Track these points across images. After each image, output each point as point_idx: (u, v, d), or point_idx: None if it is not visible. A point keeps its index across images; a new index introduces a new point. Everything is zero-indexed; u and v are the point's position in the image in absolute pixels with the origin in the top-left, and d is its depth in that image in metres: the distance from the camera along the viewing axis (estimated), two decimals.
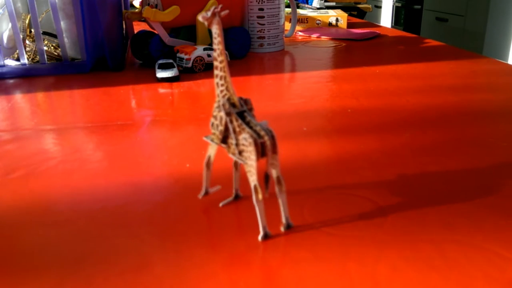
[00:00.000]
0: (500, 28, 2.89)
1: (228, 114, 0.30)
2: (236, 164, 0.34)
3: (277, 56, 0.91)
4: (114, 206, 0.35)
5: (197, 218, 0.33)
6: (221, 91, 0.31)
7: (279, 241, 0.30)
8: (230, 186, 0.38)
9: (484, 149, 0.44)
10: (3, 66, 0.76)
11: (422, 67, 0.79)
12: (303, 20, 1.25)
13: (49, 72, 0.78)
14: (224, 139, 0.32)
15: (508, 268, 0.27)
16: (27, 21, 0.80)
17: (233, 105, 0.31)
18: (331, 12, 1.31)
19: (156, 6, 0.80)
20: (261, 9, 0.92)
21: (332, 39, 1.10)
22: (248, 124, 0.30)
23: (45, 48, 0.80)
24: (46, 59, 0.77)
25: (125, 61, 0.88)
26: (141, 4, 0.85)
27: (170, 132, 0.50)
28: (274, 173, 0.30)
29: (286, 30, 1.13)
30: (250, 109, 0.31)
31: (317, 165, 0.42)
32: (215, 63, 0.31)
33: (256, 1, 0.92)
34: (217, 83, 0.31)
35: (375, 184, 0.38)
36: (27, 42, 0.80)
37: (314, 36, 1.13)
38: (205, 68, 0.78)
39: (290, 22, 1.07)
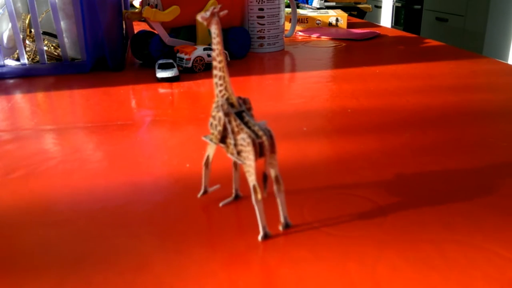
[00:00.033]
0: (500, 28, 2.89)
1: (226, 114, 0.30)
2: (235, 164, 0.34)
3: (277, 56, 0.91)
4: (114, 206, 0.35)
5: (197, 218, 0.33)
6: (220, 91, 0.31)
7: (279, 241, 0.30)
8: (230, 186, 0.38)
9: (484, 149, 0.44)
10: (3, 66, 0.76)
11: (422, 67, 0.79)
12: (303, 20, 1.25)
13: (49, 72, 0.78)
14: (223, 139, 0.32)
15: (508, 268, 0.27)
16: (27, 21, 0.80)
17: (231, 105, 0.31)
18: (331, 12, 1.31)
19: (156, 6, 0.80)
20: (261, 9, 0.92)
21: (332, 39, 1.10)
22: (246, 124, 0.30)
23: (45, 48, 0.80)
24: (46, 59, 0.77)
25: (125, 61, 0.88)
26: (141, 4, 0.85)
27: (170, 132, 0.50)
28: (272, 172, 0.30)
29: (286, 30, 1.13)
30: (249, 109, 0.31)
31: (317, 165, 0.42)
32: (214, 63, 0.31)
33: (256, 1, 0.92)
34: (216, 83, 0.32)
35: (375, 184, 0.38)
36: (27, 42, 0.80)
37: (314, 36, 1.13)
38: (205, 68, 0.78)
39: (290, 22, 1.07)
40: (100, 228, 0.32)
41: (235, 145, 0.30)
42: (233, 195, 0.36)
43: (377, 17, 4.70)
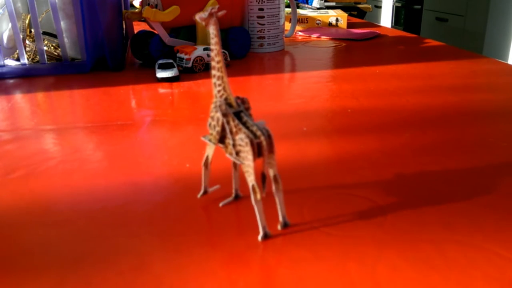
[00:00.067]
0: (500, 28, 2.89)
1: (224, 115, 0.30)
2: (235, 164, 0.34)
3: (277, 56, 0.91)
4: (114, 206, 0.35)
5: (197, 218, 0.33)
6: (219, 91, 0.31)
7: (279, 241, 0.30)
8: (230, 186, 0.38)
9: (484, 149, 0.44)
10: (3, 66, 0.76)
11: (422, 67, 0.79)
12: (303, 20, 1.25)
13: (49, 72, 0.78)
14: (222, 139, 0.32)
15: (508, 268, 0.27)
16: (27, 21, 0.80)
17: (229, 105, 0.31)
18: (331, 12, 1.31)
19: (156, 6, 0.80)
20: (261, 9, 0.92)
21: (332, 39, 1.10)
22: (244, 124, 0.30)
23: (45, 48, 0.80)
24: (46, 59, 0.77)
25: (125, 61, 0.88)
26: (141, 4, 0.85)
27: (170, 132, 0.50)
28: (271, 172, 0.30)
29: (286, 30, 1.13)
30: (247, 108, 0.31)
31: (317, 165, 0.42)
32: (213, 63, 0.31)
33: (256, 1, 0.92)
34: (215, 83, 0.32)
35: (375, 184, 0.38)
36: (27, 42, 0.80)
37: (314, 36, 1.13)
38: (205, 68, 0.78)
39: (290, 22, 1.07)
40: (100, 228, 0.32)
41: (234, 145, 0.30)
42: (233, 195, 0.36)
43: (377, 17, 4.70)
